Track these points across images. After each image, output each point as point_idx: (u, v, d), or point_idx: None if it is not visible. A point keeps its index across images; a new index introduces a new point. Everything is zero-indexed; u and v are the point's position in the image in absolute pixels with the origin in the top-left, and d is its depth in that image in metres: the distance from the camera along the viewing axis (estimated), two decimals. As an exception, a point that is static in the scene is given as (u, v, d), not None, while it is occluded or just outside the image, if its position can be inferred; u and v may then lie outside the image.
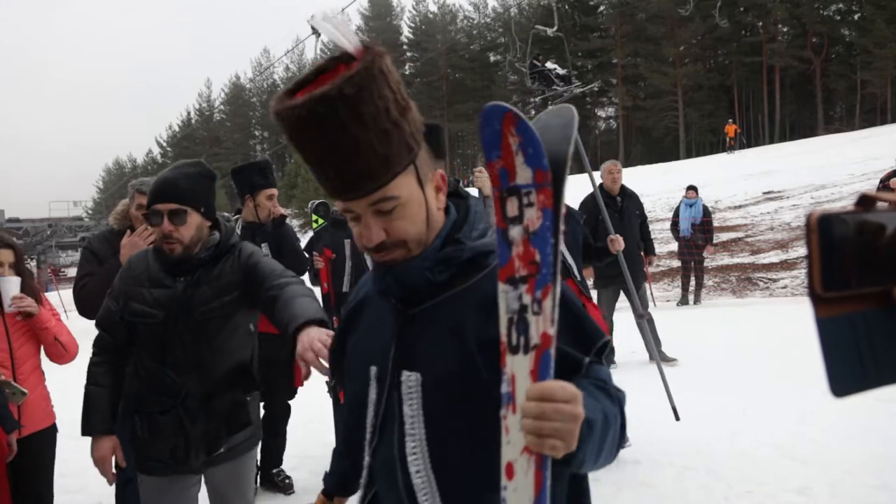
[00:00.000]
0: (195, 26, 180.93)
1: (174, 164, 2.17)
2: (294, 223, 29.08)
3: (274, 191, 3.83)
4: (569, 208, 4.45)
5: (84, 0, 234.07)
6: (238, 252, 2.20)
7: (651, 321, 5.72)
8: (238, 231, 3.49)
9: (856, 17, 40.88)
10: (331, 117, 0.91)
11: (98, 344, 2.22)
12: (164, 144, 77.94)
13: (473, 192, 4.65)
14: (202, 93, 76.50)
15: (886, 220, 0.56)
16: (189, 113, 77.29)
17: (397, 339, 1.08)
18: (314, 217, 4.08)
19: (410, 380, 1.04)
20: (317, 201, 4.34)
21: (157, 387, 2.12)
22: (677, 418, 3.86)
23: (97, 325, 2.24)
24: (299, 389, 3.74)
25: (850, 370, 0.58)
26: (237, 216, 3.95)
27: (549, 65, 20.08)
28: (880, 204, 0.58)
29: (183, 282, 2.13)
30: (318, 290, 4.08)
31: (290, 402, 3.84)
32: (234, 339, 2.17)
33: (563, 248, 4.27)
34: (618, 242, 3.99)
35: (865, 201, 0.58)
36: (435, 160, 1.09)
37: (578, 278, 3.78)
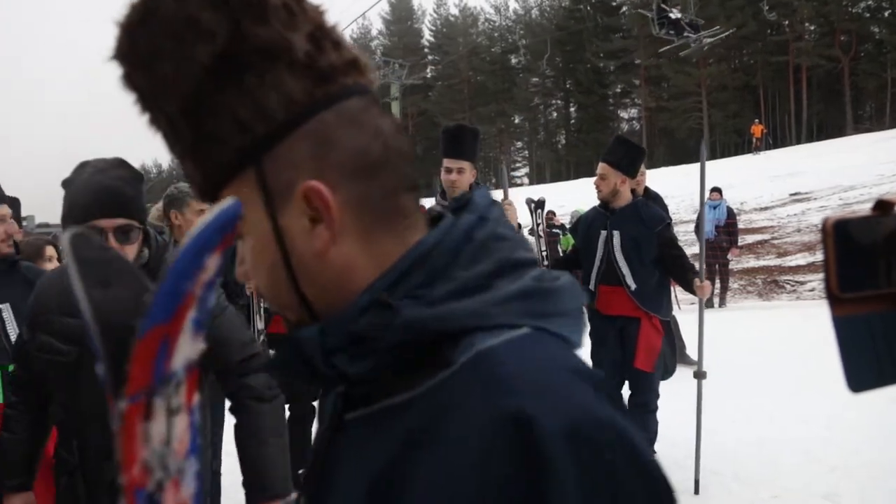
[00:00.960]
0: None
1: (96, 166, 1.70)
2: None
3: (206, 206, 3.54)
4: (653, 199, 4.15)
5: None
6: None
7: (676, 324, 5.67)
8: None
9: (886, 13, 40.09)
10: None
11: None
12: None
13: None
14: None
15: None
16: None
17: (315, 452, 0.64)
18: None
19: None
20: None
21: (62, 440, 1.78)
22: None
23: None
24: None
25: (866, 367, 0.59)
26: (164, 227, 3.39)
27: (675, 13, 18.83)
28: None
29: None
30: None
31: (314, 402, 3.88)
32: None
33: (617, 251, 3.67)
34: (706, 290, 3.59)
35: (883, 206, 0.58)
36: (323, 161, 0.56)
37: (633, 287, 3.54)
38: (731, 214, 10.24)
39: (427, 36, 59.52)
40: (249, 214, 0.56)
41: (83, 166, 1.71)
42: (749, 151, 30.36)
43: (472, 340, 0.52)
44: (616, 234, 3.62)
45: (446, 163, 3.36)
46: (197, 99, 0.55)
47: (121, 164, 1.75)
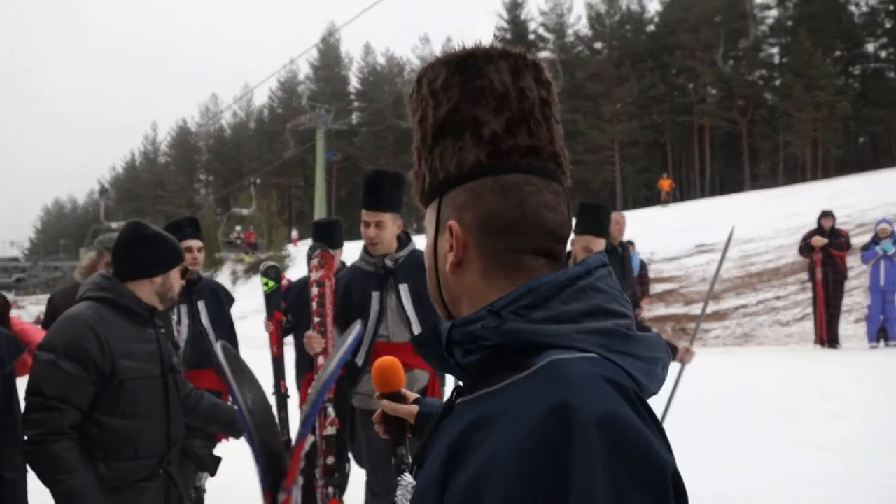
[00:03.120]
0: (141, 69, 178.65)
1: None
2: (238, 268, 28.40)
3: (191, 242, 3.58)
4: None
5: (17, 41, 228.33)
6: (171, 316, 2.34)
7: None
8: None
9: (777, 82, 43.87)
10: None
11: (56, 423, 1.92)
12: (108, 185, 75.76)
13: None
14: (147, 135, 75.24)
15: None
16: (133, 155, 75.72)
17: (431, 430, 0.83)
18: (264, 280, 3.63)
19: (408, 489, 0.86)
20: (268, 264, 3.80)
21: (142, 451, 2.03)
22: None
23: (54, 399, 1.94)
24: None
25: None
26: None
27: None
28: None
29: (153, 334, 2.15)
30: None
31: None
32: None
33: None
34: (690, 356, 3.28)
35: None
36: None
37: None
38: (643, 266, 10.74)
39: (354, 83, 60.09)
40: (429, 228, 0.83)
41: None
42: (658, 203, 32.00)
43: (551, 353, 0.69)
44: None
45: (364, 215, 2.96)
46: (424, 143, 0.83)
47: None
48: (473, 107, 0.78)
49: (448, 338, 0.75)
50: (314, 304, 3.03)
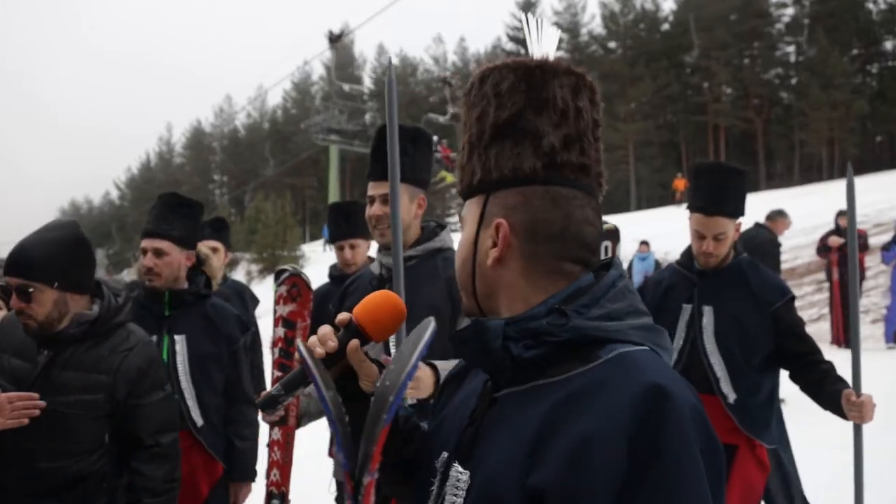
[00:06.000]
0: (155, 70, 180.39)
1: (43, 226, 1.88)
2: (253, 268, 28.60)
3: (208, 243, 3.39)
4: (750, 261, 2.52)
5: (43, 41, 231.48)
6: (127, 346, 1.88)
7: (791, 457, 5.51)
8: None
9: (793, 81, 43.47)
10: None
11: None
12: (123, 187, 76.75)
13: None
14: (162, 136, 76.01)
15: None
16: (148, 155, 76.52)
17: (469, 422, 0.86)
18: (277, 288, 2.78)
19: (460, 479, 0.83)
20: (281, 267, 2.75)
21: None
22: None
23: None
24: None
25: None
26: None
27: None
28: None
29: (46, 356, 1.80)
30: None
31: None
32: (78, 445, 1.81)
33: (708, 340, 2.27)
34: (867, 408, 2.15)
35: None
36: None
37: (730, 398, 2.36)
38: (657, 266, 10.71)
39: (367, 83, 60.25)
40: (469, 220, 0.87)
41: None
42: (673, 203, 31.83)
43: (614, 347, 0.77)
44: (708, 311, 2.43)
45: (369, 188, 2.12)
46: (481, 140, 0.86)
47: (62, 226, 1.89)
48: (536, 117, 0.83)
49: (504, 333, 0.80)
50: (275, 352, 2.25)
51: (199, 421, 2.46)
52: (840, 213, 9.40)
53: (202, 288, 2.59)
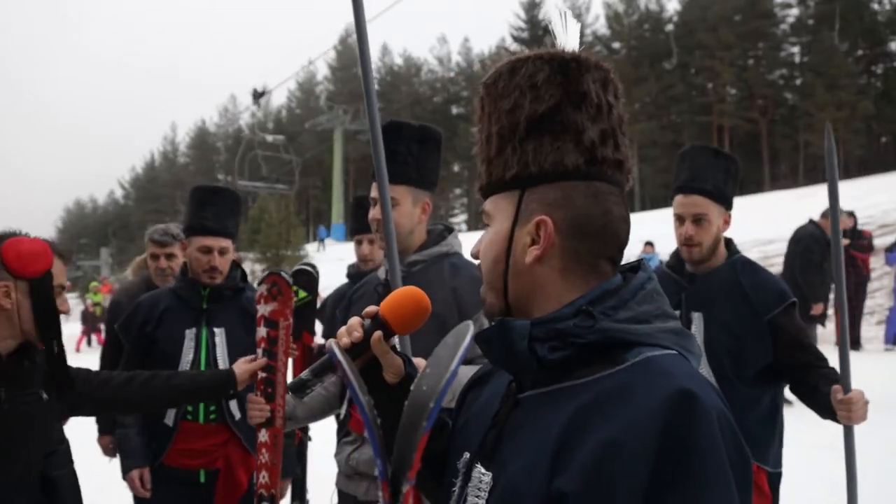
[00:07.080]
0: (160, 69, 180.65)
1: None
2: (256, 267, 28.68)
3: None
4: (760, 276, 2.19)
5: (47, 43, 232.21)
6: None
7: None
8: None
9: (797, 81, 43.37)
10: None
11: None
12: (127, 186, 77.07)
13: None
14: (167, 136, 76.22)
15: None
16: (153, 155, 76.76)
17: (492, 424, 0.85)
18: (294, 289, 2.54)
19: (482, 481, 0.82)
20: (298, 266, 2.61)
21: None
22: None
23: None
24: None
25: None
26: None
27: None
28: None
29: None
30: None
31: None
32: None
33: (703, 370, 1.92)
34: (858, 406, 1.91)
35: None
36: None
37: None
38: (661, 265, 10.75)
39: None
40: (500, 217, 0.83)
41: None
42: (677, 204, 31.79)
43: (641, 350, 0.76)
44: (697, 318, 2.15)
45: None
46: (515, 133, 0.82)
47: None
48: (575, 111, 0.80)
49: (530, 334, 0.79)
50: (259, 352, 2.12)
51: (237, 414, 2.43)
52: (845, 214, 9.41)
53: (239, 281, 2.58)
